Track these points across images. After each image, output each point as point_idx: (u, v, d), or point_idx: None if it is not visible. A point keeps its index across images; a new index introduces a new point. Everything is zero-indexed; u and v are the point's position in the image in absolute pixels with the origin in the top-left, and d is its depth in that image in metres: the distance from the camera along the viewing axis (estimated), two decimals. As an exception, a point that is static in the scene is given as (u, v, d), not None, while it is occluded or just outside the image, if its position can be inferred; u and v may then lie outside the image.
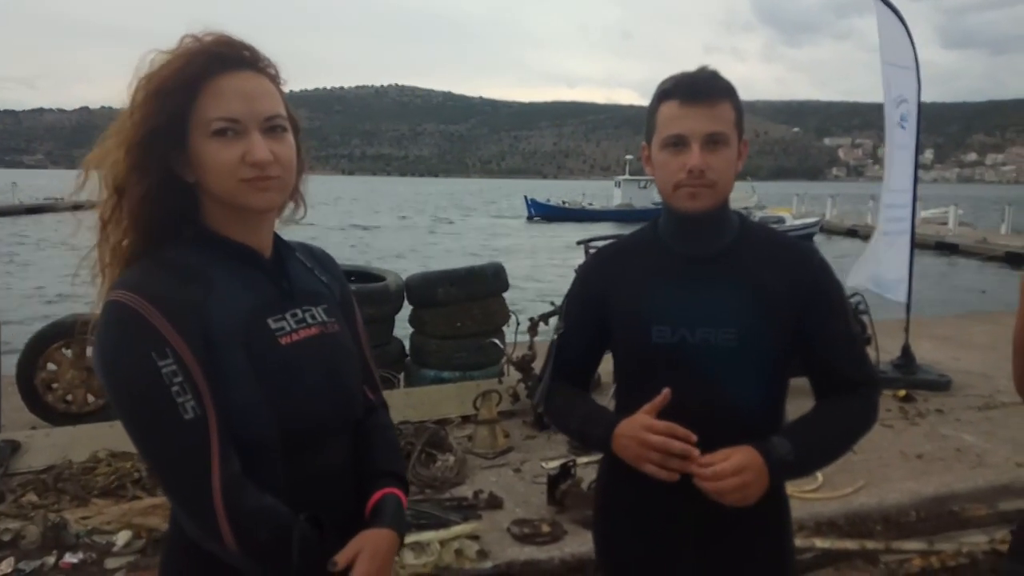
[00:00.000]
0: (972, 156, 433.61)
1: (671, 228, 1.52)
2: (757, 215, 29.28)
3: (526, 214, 43.92)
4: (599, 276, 1.58)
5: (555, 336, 1.65)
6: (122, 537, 3.20)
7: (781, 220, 28.52)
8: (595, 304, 1.56)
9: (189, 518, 1.05)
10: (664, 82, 1.45)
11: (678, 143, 1.40)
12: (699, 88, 1.40)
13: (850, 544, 3.15)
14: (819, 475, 3.72)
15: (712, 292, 1.45)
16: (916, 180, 6.05)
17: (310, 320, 1.19)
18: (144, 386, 1.01)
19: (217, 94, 1.07)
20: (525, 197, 46.15)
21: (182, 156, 1.10)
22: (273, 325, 1.13)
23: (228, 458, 1.04)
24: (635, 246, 1.59)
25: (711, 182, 1.40)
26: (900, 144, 5.89)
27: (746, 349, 1.43)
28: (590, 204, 44.91)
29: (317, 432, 1.17)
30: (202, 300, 1.07)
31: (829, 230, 29.71)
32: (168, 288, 1.06)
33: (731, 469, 1.31)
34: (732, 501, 1.33)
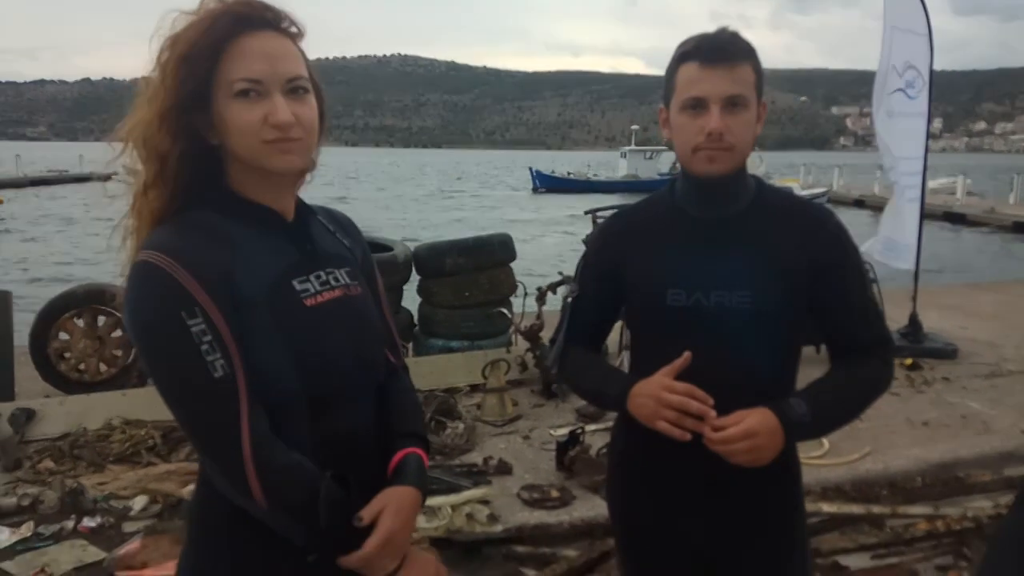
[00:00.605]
0: (981, 125, 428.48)
1: (688, 192, 1.52)
2: None
3: (531, 186, 43.73)
4: (615, 239, 1.58)
5: (569, 299, 1.66)
6: (138, 502, 3.26)
7: (789, 191, 28.32)
8: (610, 267, 1.56)
9: (220, 474, 1.07)
10: (684, 43, 1.44)
11: (697, 105, 1.39)
12: (720, 49, 1.38)
13: (856, 508, 3.18)
14: (825, 442, 3.76)
15: (727, 256, 1.45)
16: (927, 149, 6.00)
17: (333, 282, 1.20)
18: (174, 344, 1.03)
19: (240, 55, 1.07)
20: (530, 169, 45.90)
21: (207, 118, 1.10)
22: (298, 287, 1.14)
23: (257, 416, 1.06)
24: (651, 210, 1.59)
25: (730, 145, 1.40)
26: (907, 111, 5.83)
27: (761, 313, 1.43)
28: (595, 175, 44.66)
29: (342, 393, 1.18)
30: (228, 261, 1.08)
31: (836, 200, 29.51)
32: (196, 249, 1.07)
33: (740, 433, 1.33)
34: (743, 463, 1.35)
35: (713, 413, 1.35)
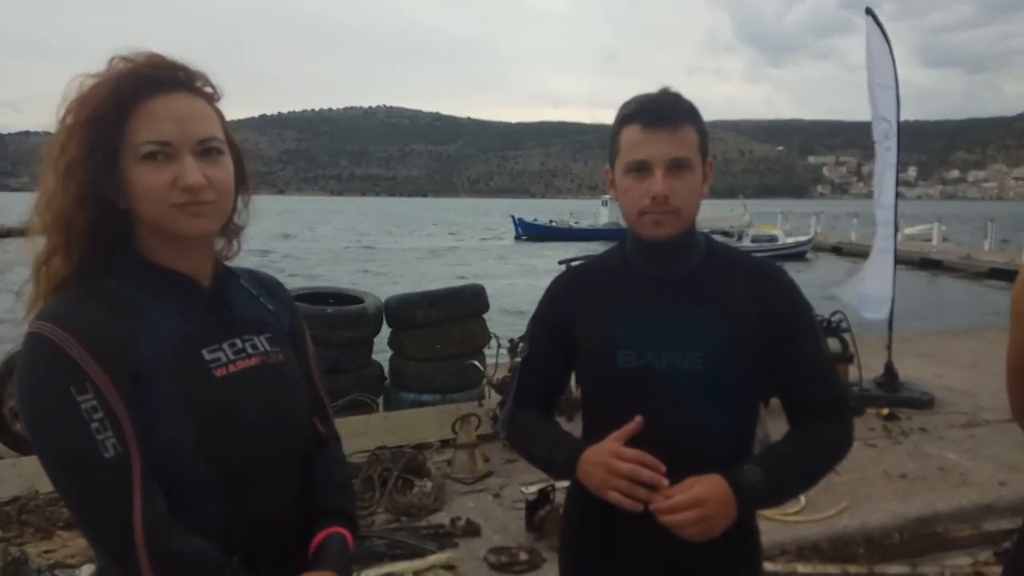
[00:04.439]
0: (955, 173, 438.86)
1: (636, 252, 1.48)
2: (749, 233, 29.51)
3: (514, 233, 43.98)
4: (565, 298, 1.54)
5: (519, 359, 1.61)
6: (85, 571, 3.10)
7: (774, 238, 28.74)
8: (561, 327, 1.52)
9: (110, 562, 1.00)
10: (626, 105, 1.42)
11: (641, 168, 1.36)
12: (661, 112, 1.36)
13: (832, 569, 3.09)
14: (802, 497, 3.67)
15: (678, 316, 1.41)
16: (897, 197, 6.07)
17: (250, 350, 1.13)
18: (61, 422, 0.96)
19: (148, 117, 1.03)
20: (512, 216, 46.24)
21: (114, 182, 1.05)
22: (208, 356, 1.08)
23: (152, 499, 0.98)
24: (602, 268, 1.55)
25: (675, 208, 1.36)
26: (887, 163, 5.91)
27: (713, 373, 1.39)
28: (577, 223, 45.03)
29: (255, 469, 1.10)
30: (130, 332, 1.02)
31: (816, 247, 29.97)
32: (93, 319, 1.00)
33: (688, 501, 1.26)
34: (692, 535, 1.28)
35: (665, 482, 1.29)
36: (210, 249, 1.15)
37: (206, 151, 1.06)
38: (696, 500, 1.26)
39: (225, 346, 1.10)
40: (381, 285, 18.04)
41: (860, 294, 5.93)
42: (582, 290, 1.52)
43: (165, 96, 1.04)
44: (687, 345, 1.39)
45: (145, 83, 1.03)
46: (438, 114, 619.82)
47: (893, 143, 5.93)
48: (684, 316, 1.41)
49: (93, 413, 0.96)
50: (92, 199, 1.03)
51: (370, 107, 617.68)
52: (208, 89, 1.10)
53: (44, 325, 0.99)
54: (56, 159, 1.04)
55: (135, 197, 1.04)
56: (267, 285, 1.29)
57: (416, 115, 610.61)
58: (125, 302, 1.04)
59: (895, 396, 5.54)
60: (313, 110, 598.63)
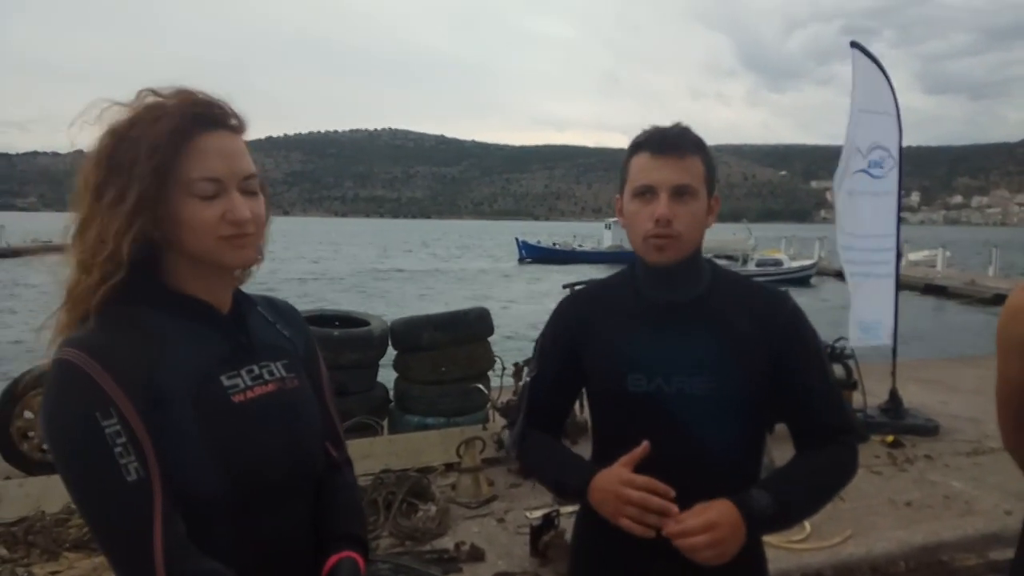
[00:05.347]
0: (958, 198, 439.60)
1: (645, 277, 1.52)
2: (754, 257, 29.55)
3: (517, 256, 44.08)
4: (573, 320, 1.57)
5: (527, 380, 1.64)
6: (90, 593, 3.11)
7: (779, 262, 28.79)
8: (569, 348, 1.55)
9: None
10: (637, 136, 1.49)
11: (647, 192, 1.42)
12: (669, 141, 1.43)
13: (838, 597, 3.08)
14: (807, 524, 3.67)
15: (687, 340, 1.45)
16: (899, 225, 6.10)
17: (267, 376, 1.17)
18: (86, 446, 0.99)
19: (200, 154, 1.07)
20: (516, 239, 46.39)
21: (156, 214, 1.08)
22: (226, 382, 1.11)
23: (172, 522, 1.01)
24: (611, 292, 1.58)
25: (677, 233, 1.41)
26: (873, 191, 5.96)
27: (722, 397, 1.42)
28: (580, 246, 45.14)
29: (270, 493, 1.13)
30: (152, 358, 1.05)
31: (820, 272, 29.96)
32: (118, 346, 1.04)
33: (701, 526, 1.28)
34: (705, 559, 1.30)
35: (675, 508, 1.31)
36: (232, 277, 1.19)
37: (248, 186, 1.11)
38: (708, 524, 1.28)
39: (243, 372, 1.14)
40: (386, 307, 18.09)
41: (859, 321, 5.93)
42: (591, 313, 1.55)
43: (211, 134, 1.09)
44: (696, 370, 1.42)
45: (195, 120, 1.08)
46: (442, 137, 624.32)
47: (893, 170, 5.98)
48: (693, 341, 1.44)
49: (117, 438, 0.99)
50: (138, 231, 1.07)
51: (375, 129, 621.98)
52: (240, 127, 1.15)
53: (70, 351, 1.02)
54: (101, 188, 1.07)
55: (182, 229, 1.08)
56: (282, 311, 1.32)
57: (421, 138, 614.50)
58: (149, 329, 1.08)
59: (900, 423, 5.53)
60: (319, 132, 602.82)
